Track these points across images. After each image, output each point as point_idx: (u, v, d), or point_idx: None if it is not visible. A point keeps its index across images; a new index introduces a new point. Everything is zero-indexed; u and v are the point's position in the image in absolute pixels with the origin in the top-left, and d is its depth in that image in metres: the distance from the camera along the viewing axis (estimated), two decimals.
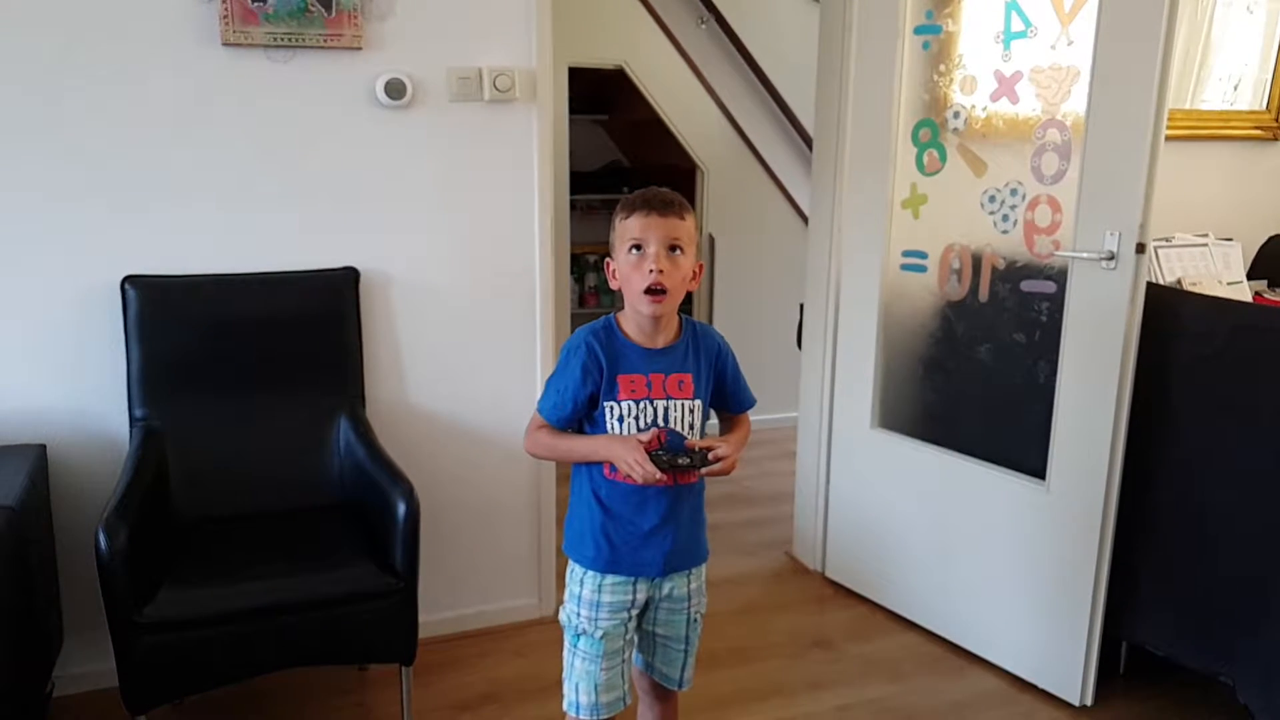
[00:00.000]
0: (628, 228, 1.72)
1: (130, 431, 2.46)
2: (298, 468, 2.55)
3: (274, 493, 2.52)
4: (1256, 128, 3.30)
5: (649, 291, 1.70)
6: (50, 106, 2.38)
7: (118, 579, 1.98)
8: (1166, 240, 2.77)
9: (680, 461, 1.71)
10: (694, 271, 1.76)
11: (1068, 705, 2.63)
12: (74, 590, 2.46)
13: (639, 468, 1.68)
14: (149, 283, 2.47)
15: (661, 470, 1.69)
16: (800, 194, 4.74)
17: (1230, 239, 2.90)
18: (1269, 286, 3.00)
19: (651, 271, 1.69)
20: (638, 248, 1.71)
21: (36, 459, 2.34)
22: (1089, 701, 2.62)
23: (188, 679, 2.14)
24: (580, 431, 1.81)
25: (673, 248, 1.71)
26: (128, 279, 2.46)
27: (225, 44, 2.47)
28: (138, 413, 2.46)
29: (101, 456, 2.50)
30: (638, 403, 1.75)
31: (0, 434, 2.40)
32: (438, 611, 2.86)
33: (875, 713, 2.63)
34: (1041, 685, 2.70)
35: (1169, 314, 2.47)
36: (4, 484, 2.14)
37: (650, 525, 1.78)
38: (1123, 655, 2.74)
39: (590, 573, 1.81)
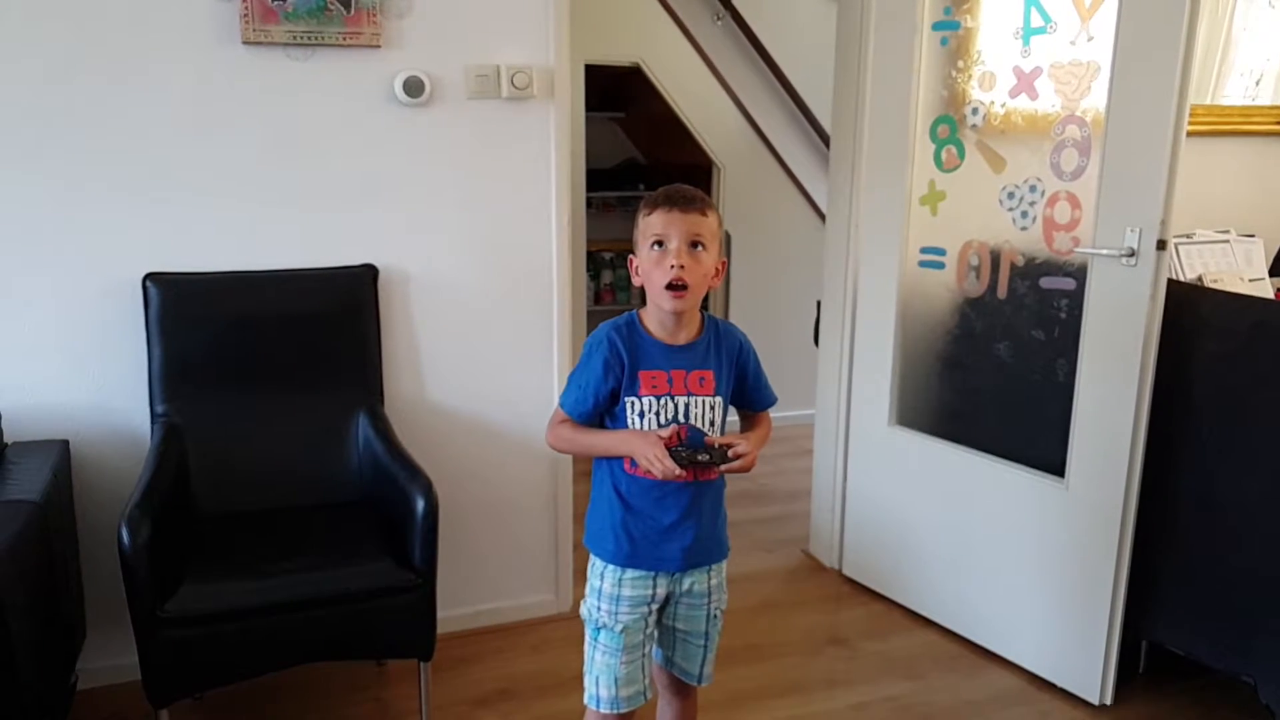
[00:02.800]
0: (650, 224, 1.73)
1: (151, 427, 2.47)
2: (317, 464, 2.56)
3: (293, 489, 2.53)
4: (1278, 123, 3.27)
5: (670, 287, 1.70)
6: (71, 105, 2.40)
7: (140, 573, 2.00)
8: (1187, 237, 2.76)
9: (699, 458, 1.71)
10: (716, 268, 1.77)
11: (1087, 704, 2.62)
12: (97, 584, 2.49)
13: (658, 463, 1.68)
14: (170, 280, 2.49)
15: (680, 466, 1.69)
16: (817, 191, 4.74)
17: (1252, 235, 2.88)
18: None
19: (673, 267, 1.69)
20: (660, 244, 1.72)
21: (60, 454, 2.36)
22: (1108, 701, 2.61)
23: (208, 673, 2.15)
24: (602, 426, 1.81)
25: (694, 244, 1.71)
26: (149, 276, 2.47)
27: (245, 42, 2.48)
28: (159, 409, 2.48)
29: (123, 452, 2.52)
30: (658, 399, 1.75)
31: (24, 429, 2.41)
32: (455, 607, 2.87)
33: (892, 711, 2.62)
34: (1060, 684, 2.69)
35: (1190, 311, 2.45)
36: (29, 479, 2.16)
37: (670, 520, 1.78)
38: (1142, 654, 2.73)
39: (610, 567, 1.82)
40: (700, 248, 1.72)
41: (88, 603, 2.52)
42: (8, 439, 2.36)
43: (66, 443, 2.44)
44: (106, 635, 2.50)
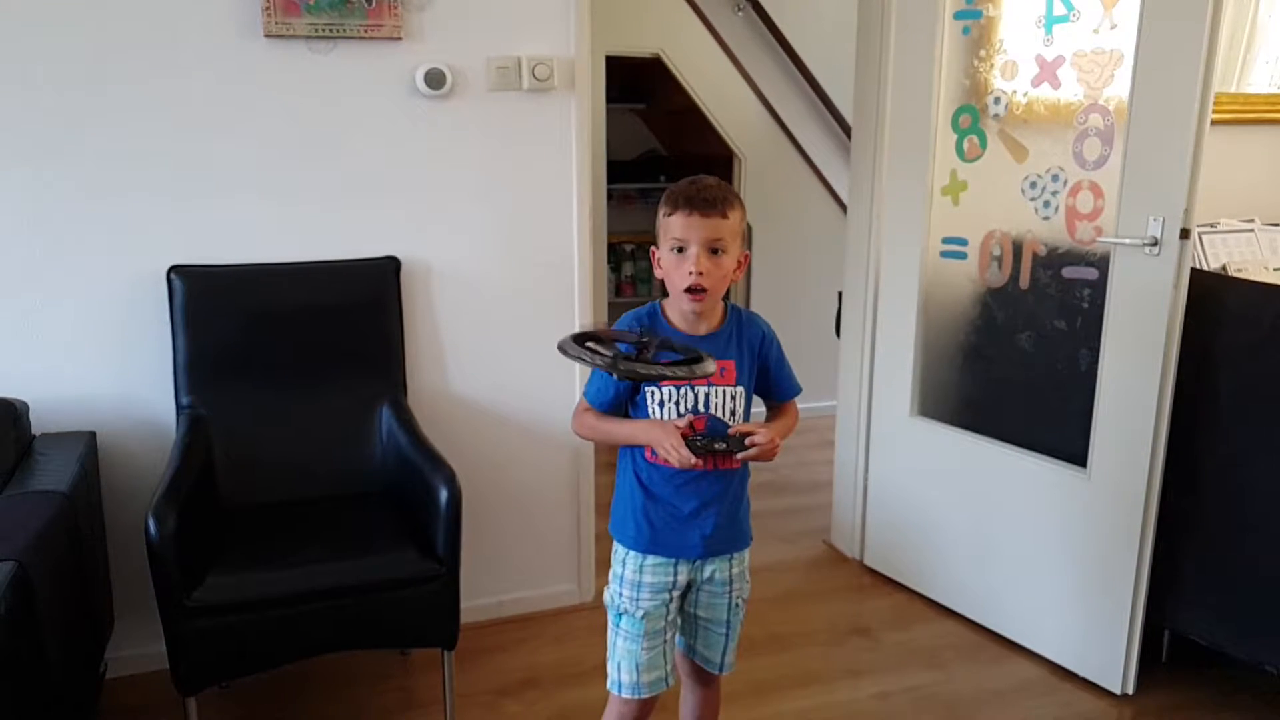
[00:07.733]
0: (670, 226, 1.73)
1: (177, 419, 2.50)
2: (341, 455, 2.58)
3: (318, 479, 2.55)
4: None
5: (689, 290, 1.72)
6: (95, 99, 2.42)
7: (167, 564, 2.02)
8: (1211, 226, 2.73)
9: (716, 446, 1.72)
10: (739, 261, 1.77)
11: (1109, 694, 2.62)
12: (124, 574, 2.51)
13: (674, 452, 1.69)
14: (194, 272, 2.52)
15: (697, 455, 1.70)
16: (839, 182, 4.72)
17: (1277, 224, 2.86)
18: None
19: (691, 273, 1.71)
20: (680, 248, 1.73)
21: (87, 446, 2.38)
22: (1130, 690, 2.60)
23: (235, 661, 2.18)
24: (625, 415, 1.83)
25: (714, 249, 1.72)
26: (174, 269, 2.50)
27: (267, 35, 2.50)
28: (184, 400, 2.50)
29: (149, 443, 2.54)
30: (678, 388, 1.76)
31: (52, 421, 2.45)
32: (479, 597, 2.89)
33: (914, 701, 2.63)
34: (1082, 674, 2.68)
35: (1213, 300, 2.44)
36: (57, 470, 2.19)
37: (690, 508, 1.79)
38: (1165, 644, 2.72)
39: (632, 553, 1.84)
40: (720, 251, 1.73)
41: (115, 592, 2.55)
42: (36, 430, 2.39)
43: (93, 434, 2.47)
44: (134, 624, 2.53)
